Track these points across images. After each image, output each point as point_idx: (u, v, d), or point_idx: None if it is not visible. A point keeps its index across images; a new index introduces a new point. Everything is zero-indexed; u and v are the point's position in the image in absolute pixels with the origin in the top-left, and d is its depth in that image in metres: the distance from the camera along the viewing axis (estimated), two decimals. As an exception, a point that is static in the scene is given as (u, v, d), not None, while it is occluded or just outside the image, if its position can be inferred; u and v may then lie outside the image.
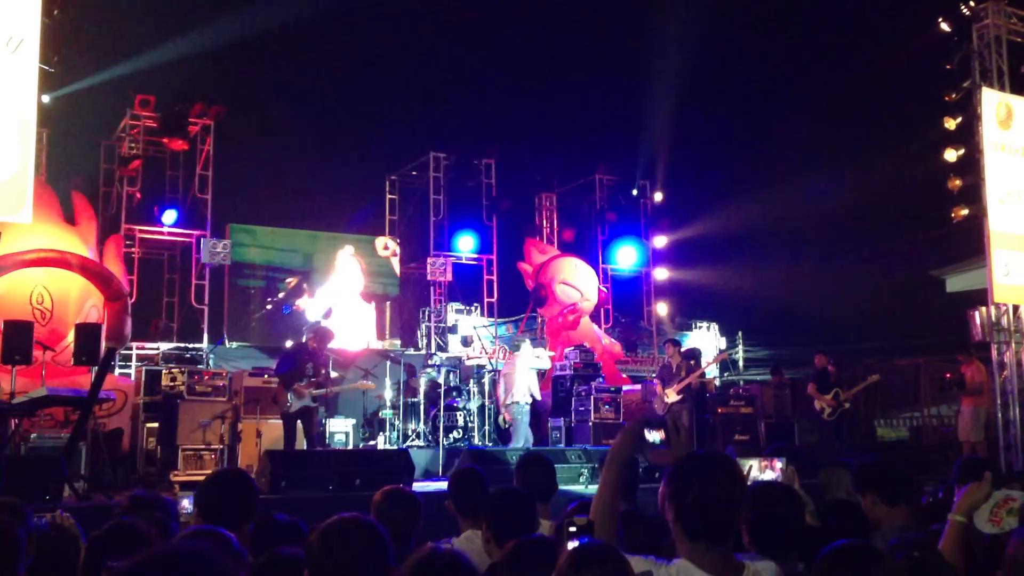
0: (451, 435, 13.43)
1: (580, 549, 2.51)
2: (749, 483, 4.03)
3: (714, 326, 24.71)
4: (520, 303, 19.47)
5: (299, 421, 10.39)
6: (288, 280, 16.71)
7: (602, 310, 20.11)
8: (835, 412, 12.64)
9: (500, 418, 14.67)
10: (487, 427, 14.25)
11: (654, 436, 3.04)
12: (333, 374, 11.47)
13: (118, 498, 7.95)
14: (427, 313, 18.55)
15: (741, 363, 28.11)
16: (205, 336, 15.56)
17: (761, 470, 4.90)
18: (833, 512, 4.06)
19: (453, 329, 18.22)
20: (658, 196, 21.26)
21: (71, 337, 11.21)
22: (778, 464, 4.85)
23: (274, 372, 10.97)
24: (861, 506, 4.04)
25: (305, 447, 10.43)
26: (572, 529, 2.92)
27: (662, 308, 21.67)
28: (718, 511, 2.61)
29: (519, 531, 3.20)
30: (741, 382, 22.52)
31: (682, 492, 2.63)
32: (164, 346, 15.20)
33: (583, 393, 13.89)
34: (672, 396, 12.19)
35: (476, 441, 13.73)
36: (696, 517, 2.62)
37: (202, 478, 4.57)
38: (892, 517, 3.89)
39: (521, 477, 4.47)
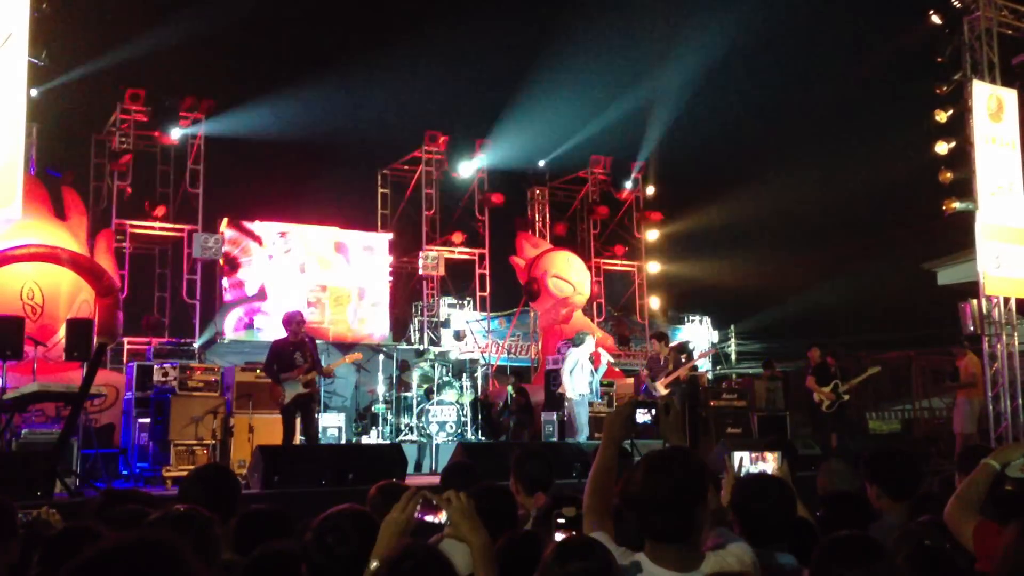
0: (444, 429, 13.43)
1: (565, 543, 2.52)
2: (741, 475, 4.04)
3: (706, 320, 24.74)
4: (513, 297, 19.48)
5: (297, 417, 10.36)
6: None
7: (594, 304, 20.12)
8: (834, 405, 12.64)
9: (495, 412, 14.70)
10: (480, 421, 14.26)
11: (644, 416, 3.12)
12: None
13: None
14: (419, 307, 18.54)
15: (733, 356, 28.17)
16: (197, 331, 15.52)
17: (753, 462, 4.90)
18: (831, 503, 4.08)
19: (446, 323, 18.22)
20: (650, 190, 21.27)
21: (62, 332, 11.16)
22: (771, 457, 4.84)
23: (263, 370, 10.91)
24: (859, 498, 4.06)
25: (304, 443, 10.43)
26: (560, 521, 2.93)
27: (654, 302, 21.69)
28: (663, 515, 2.60)
29: (499, 527, 3.20)
30: (733, 375, 22.56)
31: (630, 492, 2.65)
32: (155, 341, 15.15)
33: (576, 387, 13.86)
34: (660, 389, 12.20)
35: (469, 435, 13.73)
36: (642, 518, 2.63)
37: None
38: (895, 510, 3.91)
39: (518, 471, 4.50)
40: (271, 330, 14.92)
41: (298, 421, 10.41)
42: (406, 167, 19.45)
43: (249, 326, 16.19)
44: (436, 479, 8.38)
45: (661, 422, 3.14)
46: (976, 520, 3.10)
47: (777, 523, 3.28)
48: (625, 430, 3.17)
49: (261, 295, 16.35)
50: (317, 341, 11.83)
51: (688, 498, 2.62)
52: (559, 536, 2.85)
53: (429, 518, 2.57)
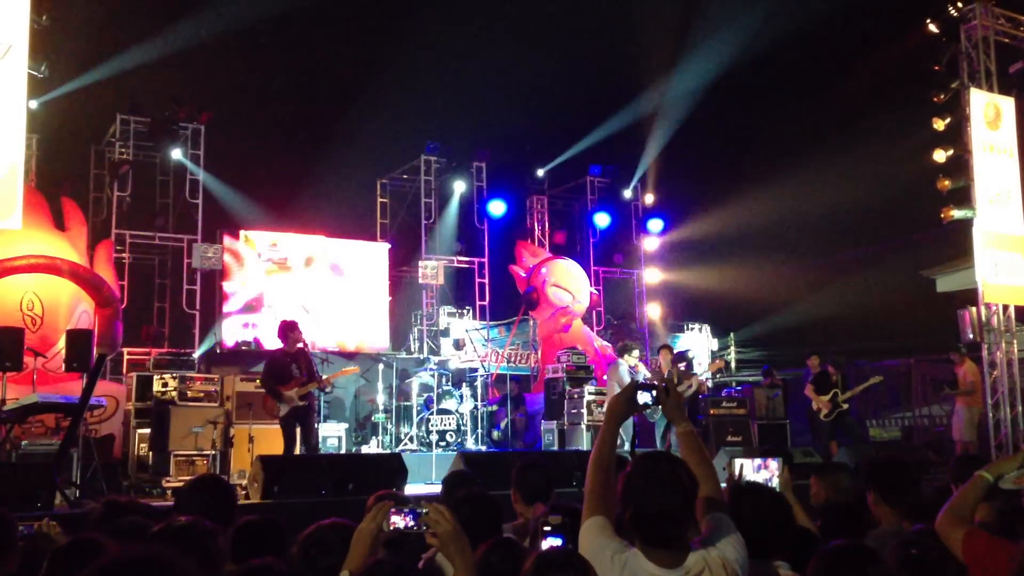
0: (444, 439, 13.42)
1: (545, 554, 2.59)
2: (742, 483, 4.04)
3: (706, 328, 24.71)
4: (512, 306, 19.47)
5: (297, 427, 10.30)
6: None
7: (594, 312, 20.13)
8: (831, 413, 12.65)
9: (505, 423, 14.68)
10: (480, 430, 14.25)
11: (645, 397, 3.22)
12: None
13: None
14: (419, 316, 18.54)
15: (733, 364, 28.14)
16: (196, 341, 15.52)
17: (755, 470, 4.90)
18: (829, 514, 4.08)
19: (445, 332, 18.22)
20: (649, 198, 21.30)
21: (62, 343, 11.16)
22: (773, 465, 4.84)
23: (261, 381, 10.87)
24: (856, 508, 4.07)
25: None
26: (547, 528, 2.97)
27: (654, 310, 21.69)
28: (657, 524, 2.73)
29: (479, 535, 3.21)
30: (733, 383, 22.53)
31: (625, 501, 2.76)
32: (155, 352, 15.14)
33: (576, 396, 13.87)
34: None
35: (469, 444, 13.72)
36: (637, 525, 2.75)
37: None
38: (892, 517, 3.93)
39: (518, 481, 4.52)
40: (268, 340, 14.93)
41: (298, 432, 10.38)
42: (405, 176, 19.48)
43: (246, 337, 16.19)
44: (437, 488, 8.37)
45: (663, 403, 3.20)
46: (966, 529, 3.11)
47: (772, 534, 3.29)
48: (627, 410, 3.25)
49: (258, 305, 16.36)
50: (316, 351, 11.81)
51: (677, 513, 2.74)
52: (545, 544, 2.90)
53: (400, 523, 2.58)
